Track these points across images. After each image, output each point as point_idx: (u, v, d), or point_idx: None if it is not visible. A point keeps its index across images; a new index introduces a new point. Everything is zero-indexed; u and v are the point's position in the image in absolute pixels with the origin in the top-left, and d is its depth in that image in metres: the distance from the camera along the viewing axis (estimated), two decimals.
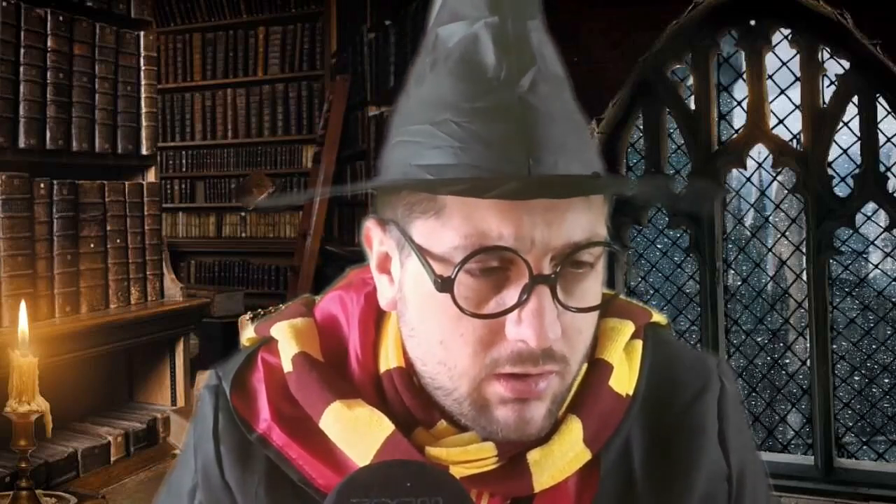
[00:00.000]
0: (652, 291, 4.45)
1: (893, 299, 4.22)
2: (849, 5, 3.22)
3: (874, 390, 4.50)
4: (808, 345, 3.83)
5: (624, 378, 0.71)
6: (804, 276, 3.80)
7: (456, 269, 0.61)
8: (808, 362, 3.82)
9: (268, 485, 0.71)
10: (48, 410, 1.77)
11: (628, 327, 0.73)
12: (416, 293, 0.65)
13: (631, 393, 0.71)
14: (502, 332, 0.62)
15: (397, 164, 0.65)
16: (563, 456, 0.67)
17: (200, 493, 0.74)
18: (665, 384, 0.74)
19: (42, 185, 2.12)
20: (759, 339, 4.41)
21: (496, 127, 0.60)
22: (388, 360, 0.70)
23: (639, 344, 0.74)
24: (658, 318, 0.78)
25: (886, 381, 4.28)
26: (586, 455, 0.68)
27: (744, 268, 5.00)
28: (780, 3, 3.52)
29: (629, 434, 0.71)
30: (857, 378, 4.41)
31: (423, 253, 0.62)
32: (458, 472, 0.65)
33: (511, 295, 0.61)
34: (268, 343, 0.75)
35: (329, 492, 0.64)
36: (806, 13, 3.47)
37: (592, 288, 0.64)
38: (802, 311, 4.01)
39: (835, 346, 3.76)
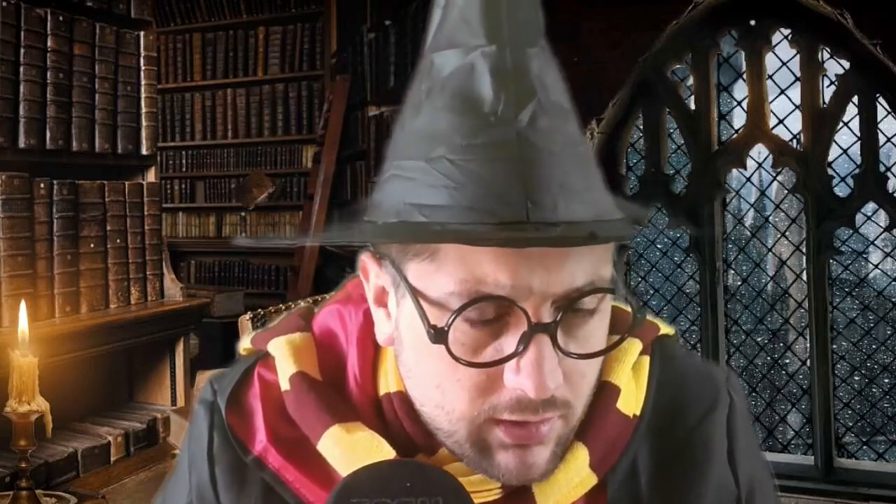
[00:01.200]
0: (652, 291, 4.45)
1: (893, 299, 4.22)
2: (849, 5, 3.22)
3: (874, 390, 4.50)
4: (808, 345, 3.83)
5: (631, 399, 0.70)
6: (804, 276, 3.80)
7: (450, 320, 0.58)
8: (808, 362, 3.82)
9: None
10: (48, 410, 1.77)
11: (636, 346, 0.71)
12: (412, 335, 0.62)
13: (638, 413, 0.70)
14: (501, 379, 0.59)
15: (391, 200, 0.62)
16: (569, 482, 0.65)
17: None
18: (673, 403, 0.72)
19: (42, 185, 2.12)
20: (759, 339, 4.41)
21: (492, 166, 0.57)
22: (389, 383, 0.68)
23: (646, 361, 0.72)
24: (666, 329, 0.76)
25: (886, 381, 4.28)
26: (592, 480, 0.66)
27: (744, 268, 5.00)
28: (780, 3, 3.52)
29: (636, 454, 0.70)
30: (857, 378, 4.41)
31: (417, 296, 0.60)
32: None
33: (509, 343, 0.59)
34: (265, 358, 0.73)
35: None
36: (806, 13, 3.47)
37: (597, 332, 0.62)
38: (802, 311, 4.01)
39: (835, 346, 3.76)
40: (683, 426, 0.71)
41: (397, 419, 0.67)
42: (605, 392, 0.68)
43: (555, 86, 0.62)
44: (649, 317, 0.76)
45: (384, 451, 0.65)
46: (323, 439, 0.66)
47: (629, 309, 0.75)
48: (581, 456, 0.65)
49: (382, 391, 0.68)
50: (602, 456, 0.67)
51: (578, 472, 0.65)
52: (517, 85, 0.59)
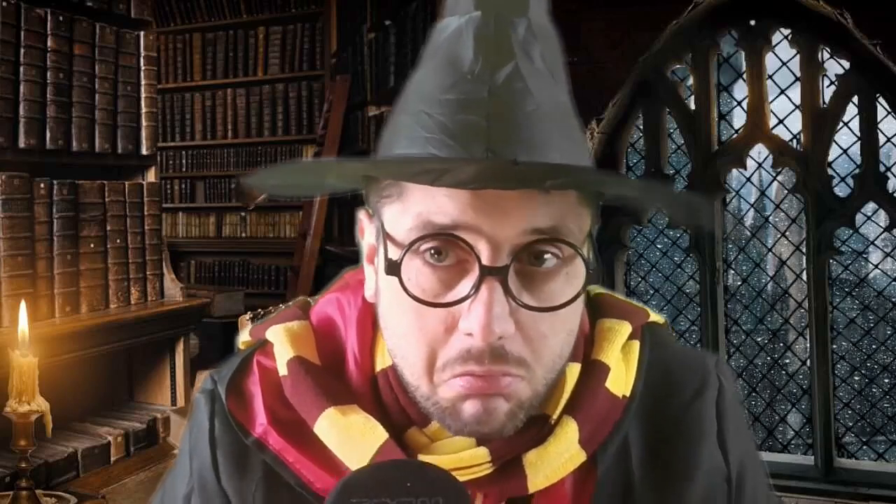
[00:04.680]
0: (652, 291, 4.45)
1: (893, 299, 4.22)
2: (849, 5, 3.22)
3: (874, 390, 4.50)
4: (808, 345, 3.83)
5: (621, 379, 0.70)
6: (804, 276, 3.80)
7: (403, 252, 0.61)
8: (808, 362, 3.82)
9: (265, 489, 0.70)
10: (48, 410, 1.77)
11: (625, 328, 0.72)
12: (385, 283, 0.65)
13: (628, 394, 0.71)
14: (456, 330, 0.61)
15: (380, 152, 0.65)
16: (559, 457, 0.66)
17: (196, 499, 0.73)
18: (663, 385, 0.73)
19: (42, 185, 2.12)
20: (759, 339, 4.41)
21: (461, 119, 0.60)
22: (385, 359, 0.69)
23: (636, 345, 0.73)
24: (655, 317, 0.77)
25: (886, 381, 4.28)
26: (581, 456, 0.67)
27: (744, 268, 5.00)
28: (780, 3, 3.52)
29: (627, 435, 0.70)
30: (857, 378, 4.41)
31: (386, 237, 0.63)
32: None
33: (465, 287, 0.60)
34: (263, 346, 0.74)
35: (327, 495, 0.65)
36: (806, 13, 3.47)
37: (561, 291, 0.61)
38: (802, 311, 4.01)
39: (835, 346, 3.76)
40: (674, 407, 0.72)
41: (392, 393, 0.68)
42: (594, 370, 0.69)
43: (542, 55, 0.63)
44: (636, 302, 0.78)
45: (378, 434, 0.65)
46: (319, 422, 0.67)
47: (634, 303, 0.77)
48: (570, 430, 0.66)
49: (379, 367, 0.69)
50: (591, 433, 0.67)
51: (568, 447, 0.66)
52: (496, 48, 0.62)
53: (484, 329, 0.58)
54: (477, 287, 0.59)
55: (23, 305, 1.82)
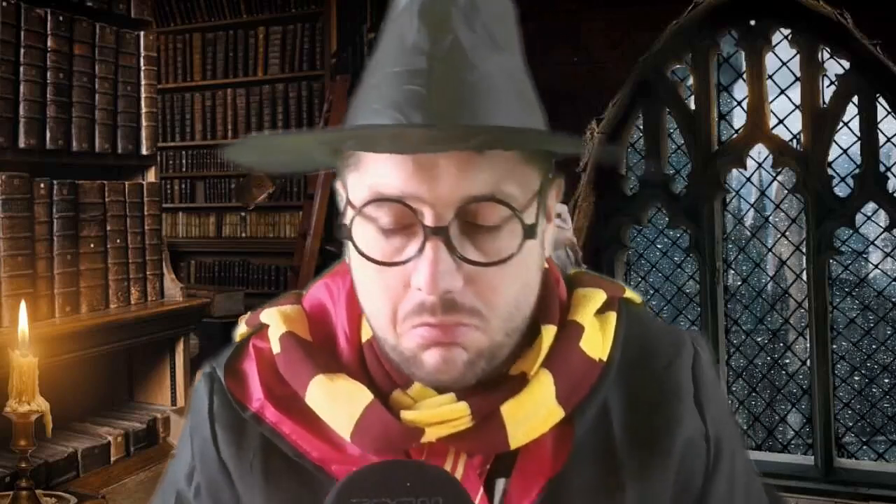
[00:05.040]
0: (652, 291, 4.45)
1: (893, 299, 4.22)
2: (849, 5, 3.22)
3: (874, 390, 4.50)
4: (808, 345, 3.83)
5: (596, 343, 0.73)
6: (804, 276, 3.80)
7: (352, 217, 0.67)
8: (808, 362, 3.82)
9: (263, 459, 0.73)
10: (48, 410, 1.77)
11: (599, 294, 0.76)
12: (353, 247, 0.69)
13: (605, 359, 0.73)
14: (410, 285, 0.65)
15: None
16: (536, 411, 0.69)
17: (198, 475, 0.77)
18: (640, 354, 0.76)
19: (42, 185, 2.12)
20: (759, 339, 4.42)
21: (406, 89, 0.64)
22: (368, 329, 0.73)
23: (613, 316, 0.76)
24: (631, 295, 0.80)
25: (886, 381, 4.28)
26: (559, 412, 0.69)
27: (744, 268, 5.00)
28: (780, 3, 3.53)
29: (607, 399, 0.73)
30: (857, 378, 4.41)
31: (348, 204, 0.68)
32: (435, 431, 0.67)
33: (413, 248, 0.64)
34: (258, 331, 0.78)
35: (323, 464, 0.70)
36: (806, 13, 3.47)
37: (505, 246, 0.65)
38: (802, 311, 4.01)
39: (835, 346, 3.76)
40: (652, 371, 0.75)
41: (376, 360, 0.72)
42: (568, 329, 0.73)
43: (484, 25, 0.66)
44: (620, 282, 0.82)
45: (363, 396, 0.69)
46: (309, 390, 0.71)
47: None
48: (546, 382, 0.69)
49: (364, 339, 0.73)
50: (568, 391, 0.70)
51: (544, 400, 0.69)
52: (437, 21, 0.66)
53: (429, 284, 0.63)
54: (422, 247, 0.63)
55: (23, 305, 1.82)
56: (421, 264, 0.63)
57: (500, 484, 0.70)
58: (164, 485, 0.82)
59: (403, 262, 0.64)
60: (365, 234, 0.67)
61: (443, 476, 0.62)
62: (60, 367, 2.00)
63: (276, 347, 0.74)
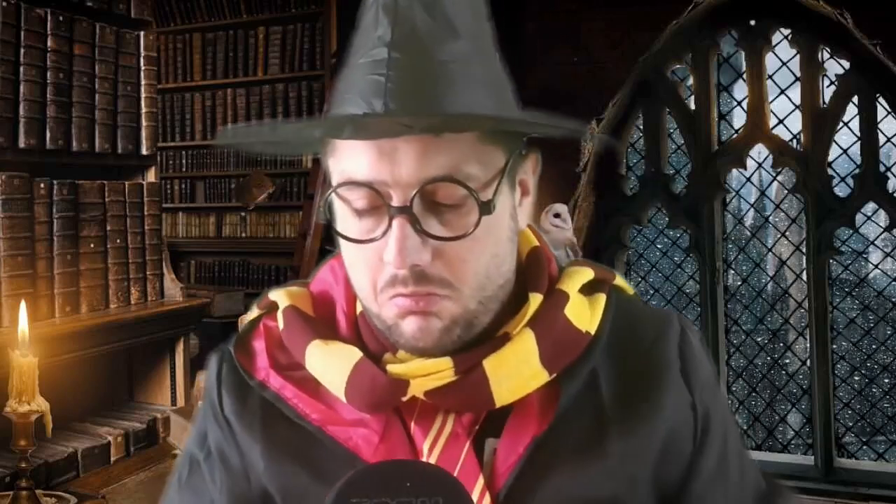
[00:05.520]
0: (652, 291, 4.45)
1: (893, 299, 4.22)
2: (849, 5, 3.22)
3: (874, 390, 4.50)
4: (808, 345, 3.83)
5: (584, 316, 0.76)
6: (804, 276, 3.80)
7: (325, 199, 0.73)
8: (808, 362, 3.82)
9: (263, 419, 0.78)
10: (48, 410, 1.77)
11: (587, 271, 0.80)
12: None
13: (592, 332, 0.76)
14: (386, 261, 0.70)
15: None
16: (519, 368, 0.72)
17: (209, 438, 0.82)
18: (628, 329, 0.79)
19: (42, 185, 2.12)
20: (759, 339, 4.41)
21: (368, 79, 0.68)
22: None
23: (602, 297, 0.79)
24: (623, 284, 0.84)
25: (886, 381, 4.28)
26: (543, 374, 0.73)
27: (744, 268, 5.00)
28: (780, 3, 3.53)
29: (596, 368, 0.76)
30: (857, 378, 4.41)
31: (325, 189, 0.73)
32: (420, 384, 0.71)
33: (383, 227, 0.69)
34: (270, 312, 0.83)
35: (323, 426, 0.75)
36: (806, 13, 3.47)
37: (470, 221, 0.69)
38: (802, 311, 4.01)
39: (835, 346, 3.76)
40: (639, 346, 0.79)
41: (368, 328, 0.77)
42: (553, 295, 0.76)
43: (443, 13, 0.70)
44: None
45: (354, 354, 0.74)
46: (307, 354, 0.76)
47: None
48: (528, 339, 0.73)
49: (359, 310, 0.78)
50: (552, 354, 0.73)
51: (527, 358, 0.72)
52: (399, 12, 0.69)
53: (397, 258, 0.68)
54: (389, 225, 0.68)
55: (23, 305, 1.82)
56: (389, 241, 0.68)
57: (490, 444, 0.73)
58: (182, 457, 0.87)
59: (374, 240, 0.69)
60: (342, 215, 0.72)
61: (443, 476, 0.62)
62: (60, 367, 2.00)
63: (281, 323, 0.80)
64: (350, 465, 0.70)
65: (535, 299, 0.75)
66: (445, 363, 0.71)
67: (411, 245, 0.68)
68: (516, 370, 0.72)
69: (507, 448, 0.72)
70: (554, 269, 0.80)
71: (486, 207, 0.69)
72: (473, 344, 0.72)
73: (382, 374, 0.72)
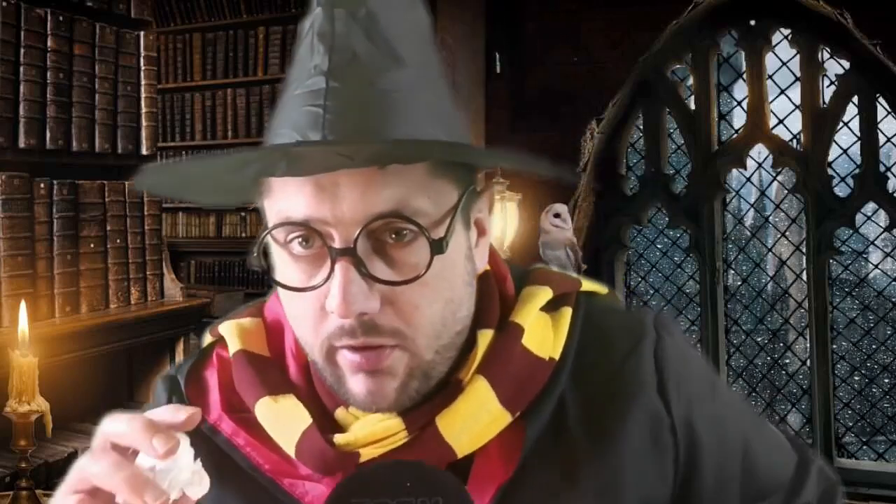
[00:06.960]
0: (652, 291, 4.45)
1: (893, 299, 4.22)
2: (849, 5, 3.23)
3: (874, 390, 4.50)
4: (808, 345, 3.83)
5: (545, 341, 0.71)
6: (804, 276, 3.80)
7: (259, 242, 0.65)
8: (808, 362, 3.82)
9: (214, 467, 0.68)
10: (48, 410, 1.77)
11: (545, 291, 0.73)
12: None
13: (556, 357, 0.71)
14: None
15: None
16: (476, 417, 0.66)
17: None
18: (597, 347, 0.73)
19: (42, 185, 2.12)
20: (759, 339, 4.41)
21: (305, 111, 0.63)
22: None
23: (568, 311, 0.73)
24: (595, 287, 0.78)
25: (886, 381, 4.28)
26: (505, 416, 0.67)
27: (744, 268, 5.00)
28: (780, 3, 3.53)
29: (563, 397, 0.70)
30: (857, 378, 4.41)
31: (264, 231, 0.66)
32: (370, 452, 0.66)
33: (325, 271, 0.63)
34: (223, 341, 0.77)
35: (276, 476, 0.69)
36: (806, 13, 3.47)
37: (418, 262, 0.63)
38: (802, 311, 4.01)
39: (835, 346, 3.76)
40: (609, 363, 0.72)
41: (320, 379, 0.70)
42: (507, 330, 0.70)
43: (383, 40, 0.64)
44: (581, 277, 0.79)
45: (303, 419, 0.68)
46: (256, 409, 0.70)
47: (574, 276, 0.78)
48: (481, 388, 0.67)
49: (310, 357, 0.71)
50: (512, 393, 0.67)
51: (484, 406, 0.67)
52: (336, 40, 0.64)
53: (340, 307, 0.61)
54: (331, 269, 0.62)
55: (23, 305, 1.82)
56: (332, 288, 0.61)
57: None
58: None
59: (315, 287, 0.63)
60: (280, 260, 0.65)
61: (443, 476, 0.62)
62: (60, 367, 2.00)
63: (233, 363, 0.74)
64: None
65: (485, 337, 0.69)
66: (396, 425, 0.66)
67: (357, 291, 0.61)
68: (473, 420, 0.66)
69: (474, 497, 0.65)
70: (509, 291, 0.73)
71: (438, 246, 0.62)
72: (428, 396, 0.66)
73: (328, 448, 0.66)
